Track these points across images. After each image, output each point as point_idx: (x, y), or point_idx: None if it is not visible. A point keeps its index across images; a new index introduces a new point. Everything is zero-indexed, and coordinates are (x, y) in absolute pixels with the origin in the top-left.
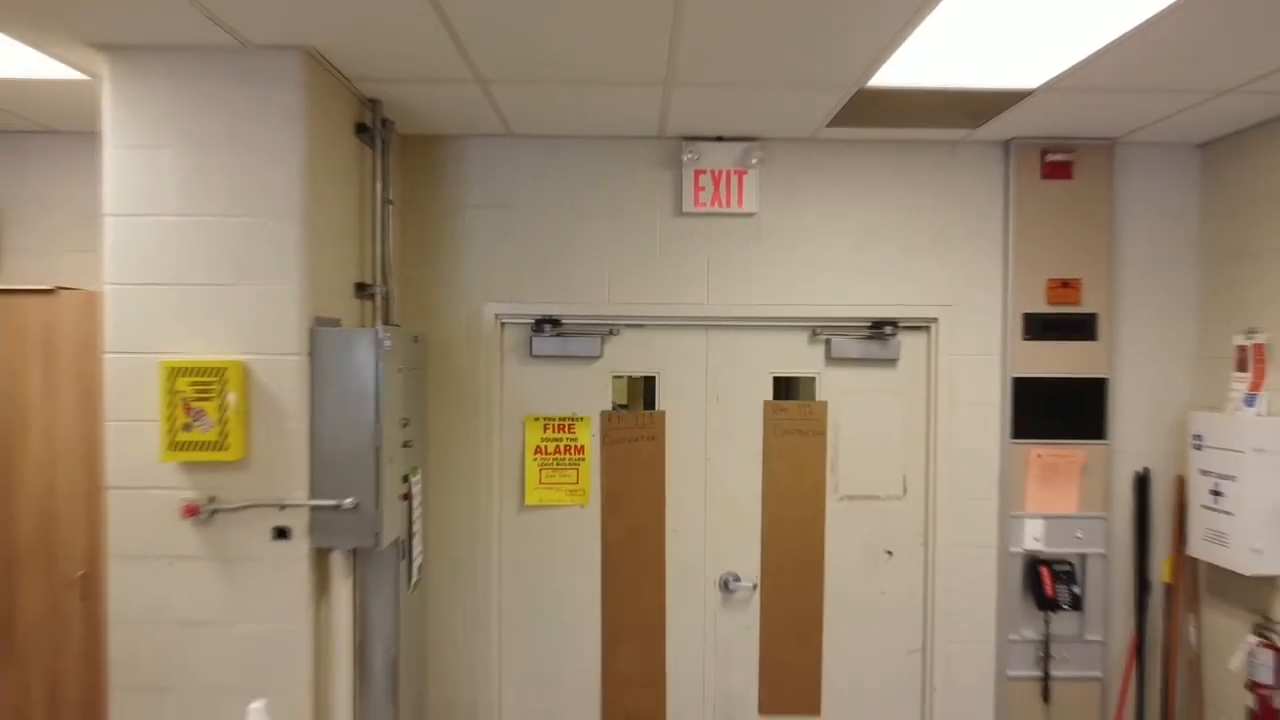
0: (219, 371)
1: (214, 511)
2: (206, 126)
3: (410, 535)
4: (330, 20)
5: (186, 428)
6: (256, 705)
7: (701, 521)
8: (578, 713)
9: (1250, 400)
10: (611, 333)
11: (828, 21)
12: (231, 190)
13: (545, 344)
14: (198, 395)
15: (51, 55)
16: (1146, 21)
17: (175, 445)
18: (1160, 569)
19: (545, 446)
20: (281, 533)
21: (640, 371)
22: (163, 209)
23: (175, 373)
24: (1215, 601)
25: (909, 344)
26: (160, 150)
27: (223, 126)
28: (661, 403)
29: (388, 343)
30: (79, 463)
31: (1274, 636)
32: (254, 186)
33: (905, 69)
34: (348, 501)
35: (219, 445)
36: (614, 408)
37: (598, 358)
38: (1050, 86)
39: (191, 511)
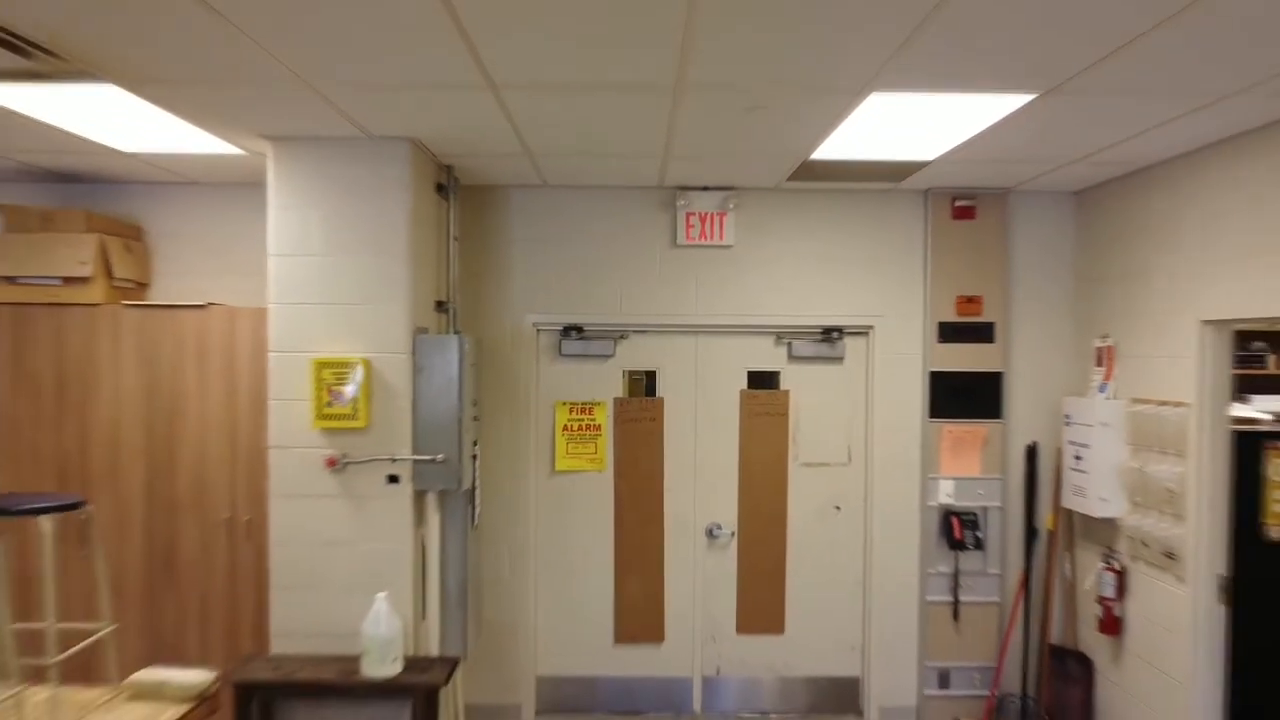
0: (352, 365)
1: (346, 464)
2: (341, 193)
3: (474, 487)
4: (432, 122)
5: (329, 404)
6: (381, 595)
7: (691, 483)
8: (595, 631)
9: (1103, 388)
10: (622, 337)
11: (778, 123)
12: (358, 238)
13: (571, 345)
14: (336, 381)
15: (225, 139)
16: (999, 121)
17: (321, 417)
18: (1044, 518)
19: (571, 425)
20: (393, 479)
21: (644, 367)
22: (310, 250)
23: (321, 366)
24: (1082, 541)
25: (851, 346)
26: (308, 209)
27: (352, 193)
28: (660, 391)
29: (466, 345)
30: (224, 436)
31: (1115, 562)
32: (374, 235)
33: (839, 146)
34: (439, 457)
35: (352, 417)
36: (624, 395)
37: (611, 356)
38: (942, 159)
39: (331, 463)
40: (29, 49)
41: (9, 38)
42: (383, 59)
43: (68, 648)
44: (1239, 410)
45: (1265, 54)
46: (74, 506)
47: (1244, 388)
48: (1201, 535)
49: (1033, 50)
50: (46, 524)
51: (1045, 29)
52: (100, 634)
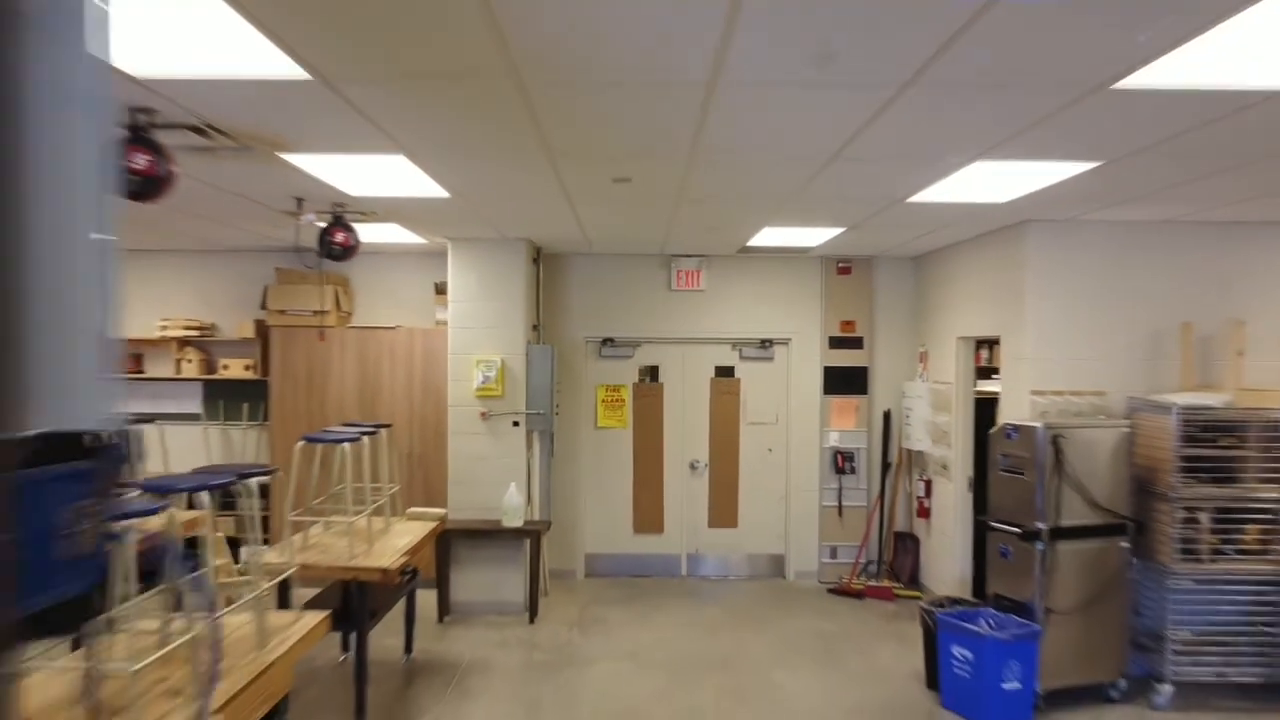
0: (493, 361)
1: (490, 415)
2: (487, 265)
3: (553, 432)
4: (538, 231)
5: (482, 383)
6: (513, 484)
7: (681, 435)
8: (621, 525)
9: (922, 376)
10: (637, 345)
11: (724, 230)
12: (496, 291)
13: (607, 350)
14: (485, 370)
15: (421, 237)
16: (834, 238)
17: (476, 390)
18: (893, 454)
19: (606, 399)
20: (515, 423)
21: (651, 364)
22: (471, 298)
23: (478, 361)
24: (911, 467)
25: (778, 351)
26: (470, 274)
27: (493, 266)
28: (661, 379)
29: (552, 351)
30: (406, 406)
31: (924, 475)
32: (504, 289)
33: (760, 239)
34: (539, 412)
35: (494, 390)
36: (639, 381)
37: (631, 357)
38: (820, 246)
39: (483, 416)
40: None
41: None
42: (526, 212)
43: (378, 498)
44: (978, 386)
45: (989, 213)
46: (374, 431)
47: (980, 374)
48: (959, 455)
49: (845, 211)
50: (365, 442)
51: (840, 203)
52: (393, 490)
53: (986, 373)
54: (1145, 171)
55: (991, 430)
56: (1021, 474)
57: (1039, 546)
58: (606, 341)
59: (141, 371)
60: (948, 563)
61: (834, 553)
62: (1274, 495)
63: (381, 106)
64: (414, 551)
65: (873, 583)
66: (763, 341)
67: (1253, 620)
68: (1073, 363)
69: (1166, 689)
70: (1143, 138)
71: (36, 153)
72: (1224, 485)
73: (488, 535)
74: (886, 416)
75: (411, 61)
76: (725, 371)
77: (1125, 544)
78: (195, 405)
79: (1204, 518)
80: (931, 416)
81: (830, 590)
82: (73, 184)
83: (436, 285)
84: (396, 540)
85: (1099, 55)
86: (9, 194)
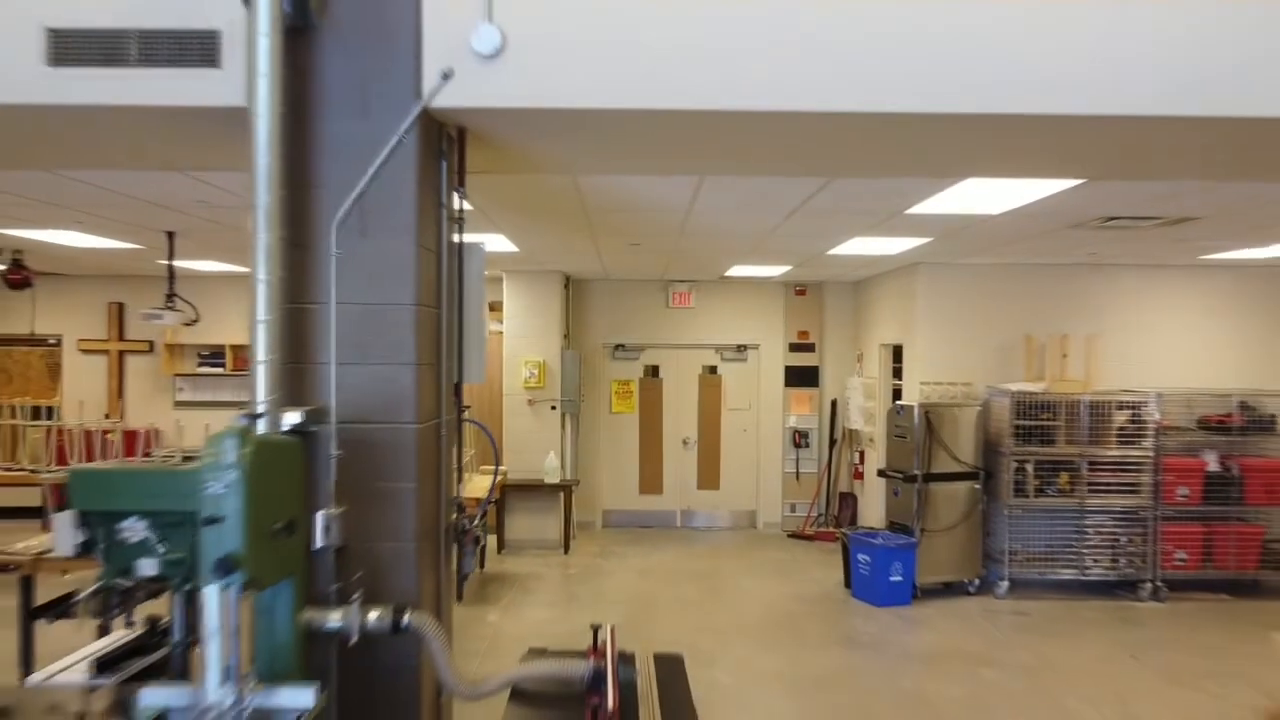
0: (537, 362)
1: (534, 402)
2: (531, 292)
3: (579, 414)
4: (569, 263)
5: (528, 378)
6: (551, 452)
7: (676, 418)
8: (629, 487)
9: (859, 373)
10: (643, 350)
11: (705, 267)
12: (538, 309)
13: (619, 354)
14: (530, 368)
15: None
16: (789, 269)
17: (524, 383)
18: (839, 433)
19: (619, 390)
20: (552, 407)
21: (653, 364)
22: (518, 315)
23: (525, 361)
24: (850, 442)
25: (751, 354)
26: (519, 299)
27: (536, 292)
28: (661, 375)
29: (579, 355)
30: (476, 394)
31: (860, 447)
32: (544, 308)
33: (735, 270)
34: (570, 399)
35: (538, 383)
36: (644, 377)
37: (637, 359)
38: (781, 276)
39: (530, 402)
40: None
41: None
42: (566, 257)
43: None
44: (893, 381)
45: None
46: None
47: (895, 373)
48: (880, 431)
49: (784, 258)
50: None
51: (779, 254)
52: (471, 453)
53: (899, 371)
54: (956, 243)
55: (888, 409)
56: (905, 438)
57: (917, 487)
58: (619, 347)
59: None
60: (873, 508)
61: (793, 508)
62: (1076, 452)
63: (507, 222)
64: (494, 489)
65: (821, 529)
66: (739, 347)
67: (1063, 537)
68: (949, 362)
69: (1004, 584)
70: (936, 229)
71: (471, 296)
72: (1043, 445)
73: (533, 489)
74: (833, 404)
75: (537, 206)
76: (711, 370)
77: (977, 486)
78: None
79: (1030, 468)
80: (864, 403)
81: (789, 535)
82: (478, 300)
83: (490, 304)
84: (482, 481)
85: (889, 205)
86: (462, 319)
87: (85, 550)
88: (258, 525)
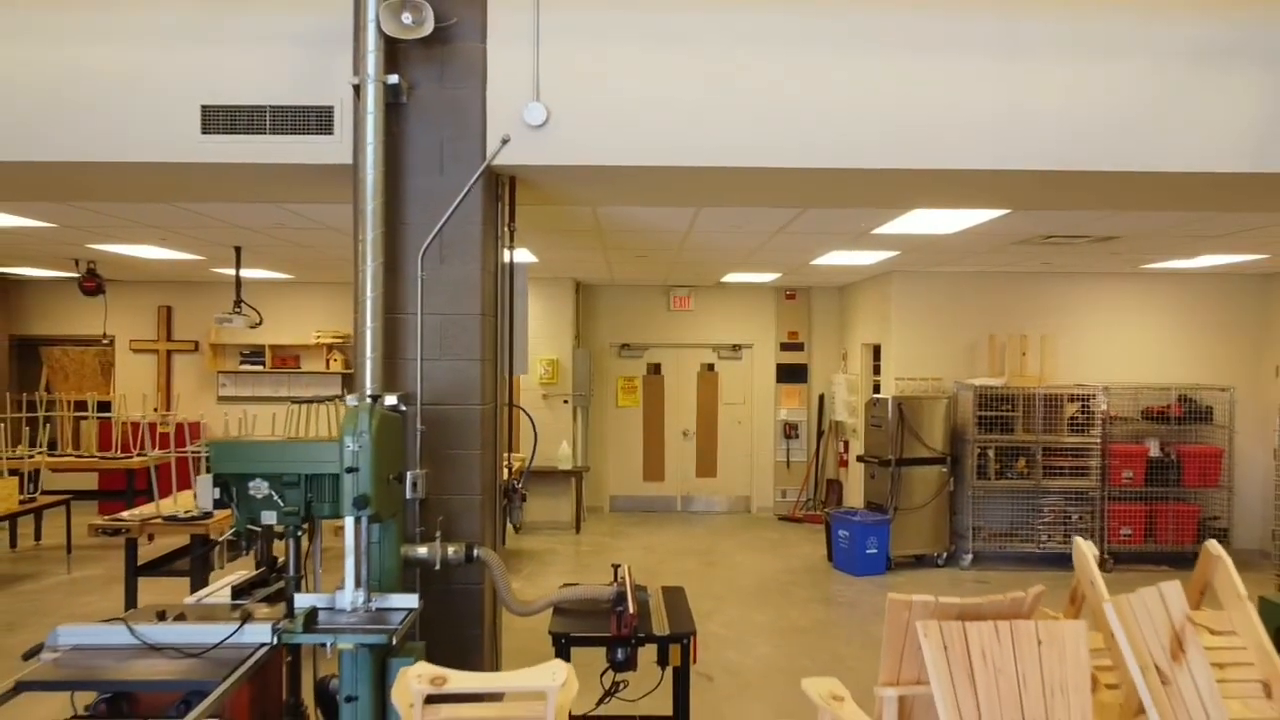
0: (552, 361)
1: (549, 396)
2: (547, 295)
3: (589, 408)
4: (580, 271)
5: (543, 374)
6: (565, 441)
7: (676, 412)
8: (634, 474)
9: (845, 370)
10: (646, 349)
11: (703, 274)
12: (551, 313)
13: (625, 353)
14: (545, 365)
15: None
16: (779, 276)
17: (541, 380)
18: (825, 425)
19: (624, 386)
20: (565, 401)
21: (655, 361)
22: (535, 318)
23: (541, 360)
24: (838, 435)
25: (745, 353)
26: (535, 303)
27: (550, 296)
28: (663, 373)
29: (589, 354)
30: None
31: (844, 438)
32: (558, 312)
33: (729, 277)
34: (581, 394)
35: (551, 379)
36: (647, 374)
37: (641, 357)
38: (773, 281)
39: (545, 397)
40: None
41: None
42: (578, 266)
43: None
44: (874, 377)
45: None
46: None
47: (877, 369)
48: (861, 421)
49: (774, 267)
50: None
51: (768, 265)
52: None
53: (880, 368)
54: (922, 255)
55: (865, 401)
56: (881, 427)
57: (891, 470)
58: (624, 346)
59: (299, 367)
60: (856, 492)
61: (784, 494)
62: (1032, 439)
63: (534, 239)
64: (533, 458)
65: (810, 513)
66: (734, 346)
67: (1021, 515)
68: (921, 359)
69: (969, 557)
70: (902, 245)
71: (519, 318)
72: (1004, 434)
73: (548, 474)
74: (821, 399)
75: (560, 227)
76: (709, 367)
77: (945, 469)
78: (336, 390)
79: (991, 454)
80: (848, 398)
81: (780, 518)
82: (523, 309)
83: None
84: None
85: (857, 227)
86: (512, 343)
87: (220, 505)
88: (380, 474)
